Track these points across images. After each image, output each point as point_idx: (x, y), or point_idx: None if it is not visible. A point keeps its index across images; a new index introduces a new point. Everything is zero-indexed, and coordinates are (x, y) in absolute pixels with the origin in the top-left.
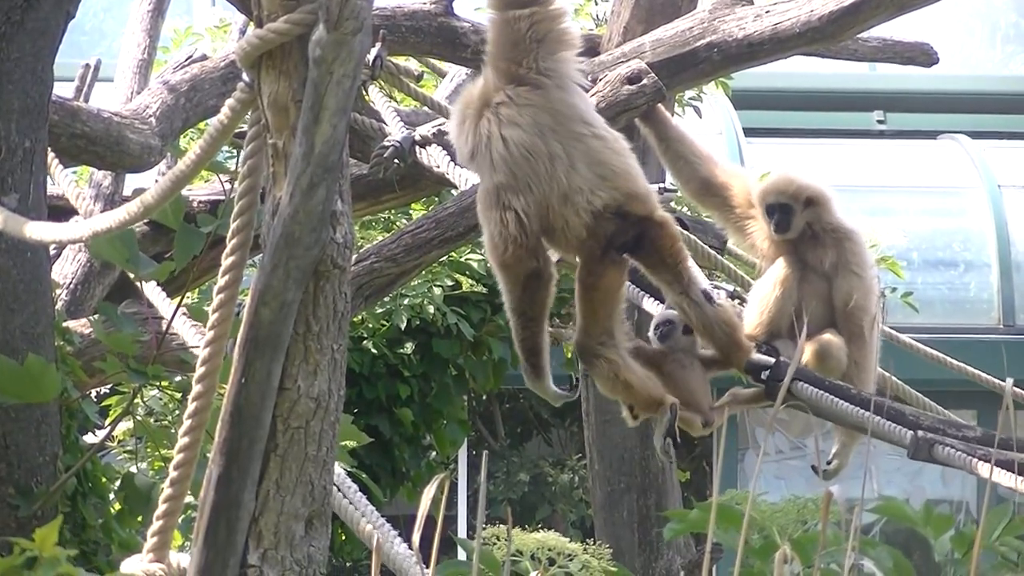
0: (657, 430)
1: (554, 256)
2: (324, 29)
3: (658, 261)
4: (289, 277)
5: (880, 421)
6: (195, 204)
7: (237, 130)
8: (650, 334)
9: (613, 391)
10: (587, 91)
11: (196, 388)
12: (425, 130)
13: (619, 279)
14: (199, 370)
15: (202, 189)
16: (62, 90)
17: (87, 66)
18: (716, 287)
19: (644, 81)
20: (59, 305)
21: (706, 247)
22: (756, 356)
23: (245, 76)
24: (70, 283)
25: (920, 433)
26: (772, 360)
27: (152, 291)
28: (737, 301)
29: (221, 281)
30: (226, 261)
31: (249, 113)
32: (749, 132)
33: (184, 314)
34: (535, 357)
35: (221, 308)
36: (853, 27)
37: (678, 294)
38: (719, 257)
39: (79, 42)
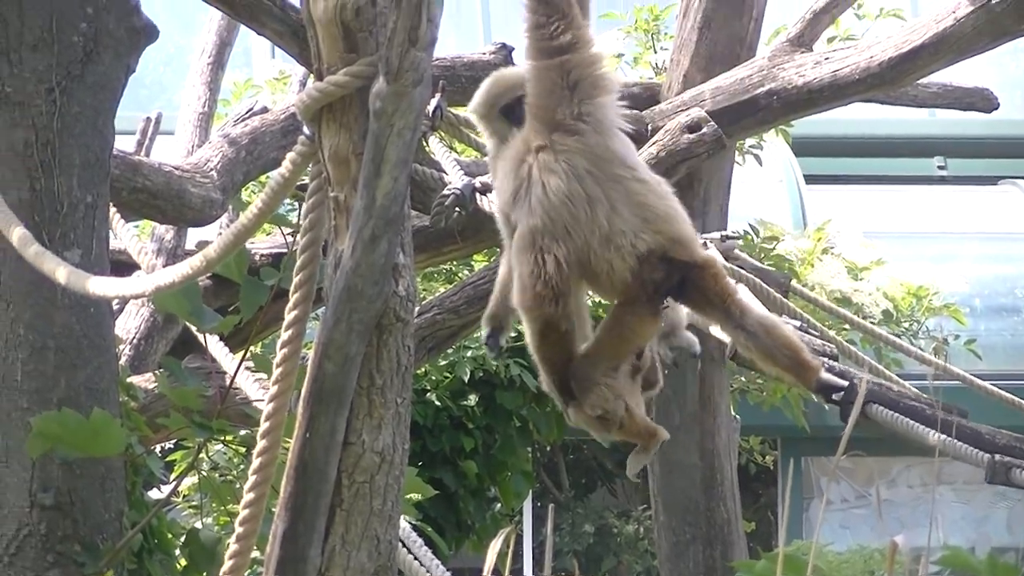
0: (641, 457)
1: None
2: (384, 81)
3: (704, 302)
4: (352, 331)
5: (957, 444)
6: (257, 257)
7: (298, 183)
8: None
9: (610, 417)
10: (631, 136)
11: (261, 443)
12: (485, 178)
13: (654, 327)
14: (263, 425)
15: (264, 242)
16: (123, 143)
17: (148, 119)
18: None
19: (704, 129)
20: (122, 360)
21: (770, 290)
22: (826, 376)
23: (306, 129)
24: (133, 338)
25: (997, 457)
26: (844, 382)
27: (215, 345)
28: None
29: (284, 335)
30: (289, 315)
31: (310, 166)
32: (810, 179)
33: (248, 369)
34: (567, 394)
35: (285, 362)
36: (912, 73)
37: (733, 328)
38: (784, 300)
39: (139, 95)
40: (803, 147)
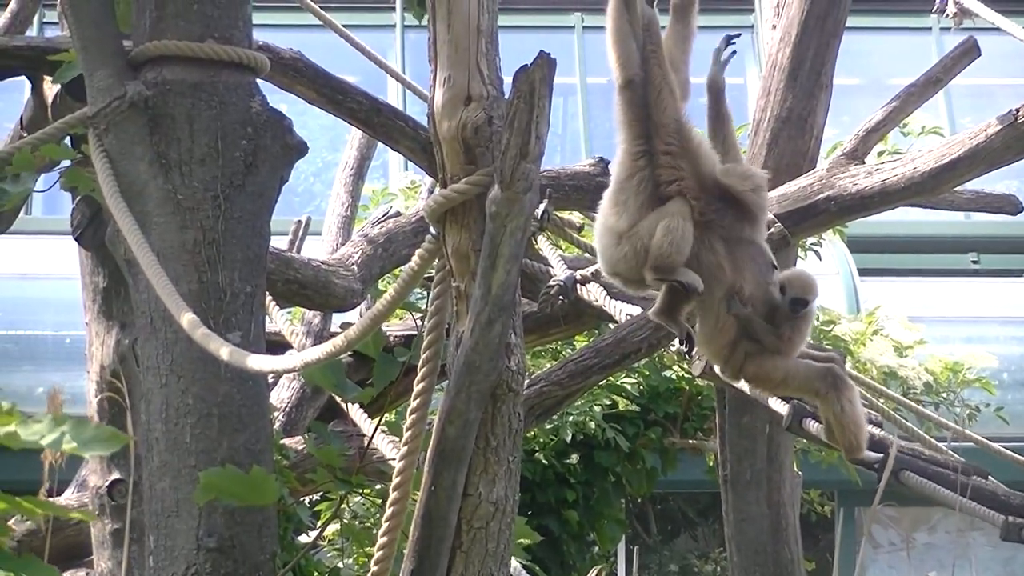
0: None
1: None
2: (499, 189)
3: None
4: (471, 399)
5: (975, 506)
6: (391, 338)
7: (426, 275)
8: None
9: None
10: None
11: (393, 495)
12: (585, 271)
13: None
14: (395, 479)
15: (397, 325)
16: (278, 242)
17: (299, 222)
18: None
19: (771, 230)
20: (276, 425)
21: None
22: (867, 454)
23: (432, 229)
24: (286, 406)
25: (1010, 518)
26: (877, 455)
27: (356, 412)
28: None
29: (413, 403)
30: (418, 386)
31: (436, 260)
32: (863, 272)
33: (383, 432)
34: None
35: (413, 426)
36: (950, 182)
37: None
38: None
39: (292, 202)
40: (858, 244)
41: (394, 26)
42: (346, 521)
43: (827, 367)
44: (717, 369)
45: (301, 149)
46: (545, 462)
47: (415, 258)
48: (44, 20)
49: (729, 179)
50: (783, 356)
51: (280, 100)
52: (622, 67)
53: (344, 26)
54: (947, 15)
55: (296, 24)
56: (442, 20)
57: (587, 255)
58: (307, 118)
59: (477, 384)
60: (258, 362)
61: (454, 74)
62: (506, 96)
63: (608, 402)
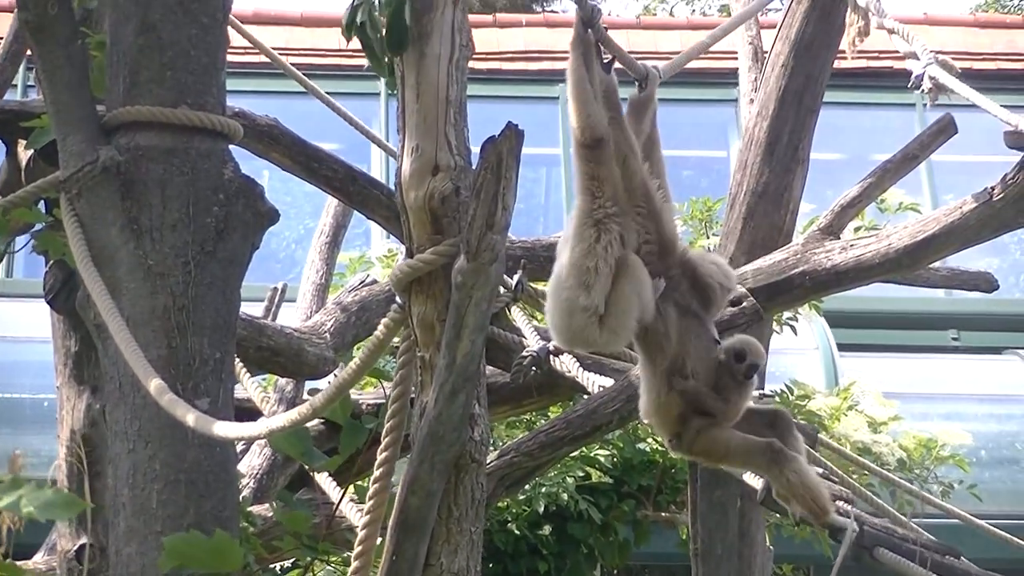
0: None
1: None
2: (465, 259)
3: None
4: (434, 470)
5: None
6: (365, 406)
7: (394, 343)
8: None
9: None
10: None
11: (355, 564)
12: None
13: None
14: (357, 548)
15: (370, 394)
16: (255, 309)
17: (275, 289)
18: None
19: (744, 304)
20: (246, 492)
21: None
22: (835, 517)
23: (398, 298)
24: (257, 473)
25: None
26: (855, 526)
27: (324, 480)
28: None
29: (376, 472)
30: (381, 455)
31: (402, 330)
32: (843, 348)
33: (352, 499)
34: None
35: (376, 496)
36: (925, 259)
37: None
38: (810, 449)
39: (273, 269)
40: (839, 320)
41: (379, 94)
42: None
43: (767, 442)
44: (665, 442)
45: (272, 216)
46: (517, 533)
47: (380, 327)
48: (28, 83)
49: (705, 264)
50: (726, 426)
51: (263, 165)
52: (593, 126)
53: (328, 93)
54: (923, 91)
55: (280, 91)
56: (411, 89)
57: None
58: (291, 184)
59: (440, 454)
60: (224, 429)
61: (422, 144)
62: (474, 167)
63: (581, 473)
